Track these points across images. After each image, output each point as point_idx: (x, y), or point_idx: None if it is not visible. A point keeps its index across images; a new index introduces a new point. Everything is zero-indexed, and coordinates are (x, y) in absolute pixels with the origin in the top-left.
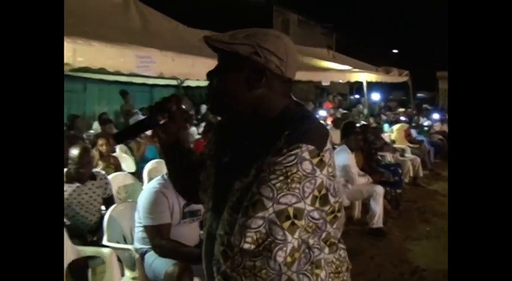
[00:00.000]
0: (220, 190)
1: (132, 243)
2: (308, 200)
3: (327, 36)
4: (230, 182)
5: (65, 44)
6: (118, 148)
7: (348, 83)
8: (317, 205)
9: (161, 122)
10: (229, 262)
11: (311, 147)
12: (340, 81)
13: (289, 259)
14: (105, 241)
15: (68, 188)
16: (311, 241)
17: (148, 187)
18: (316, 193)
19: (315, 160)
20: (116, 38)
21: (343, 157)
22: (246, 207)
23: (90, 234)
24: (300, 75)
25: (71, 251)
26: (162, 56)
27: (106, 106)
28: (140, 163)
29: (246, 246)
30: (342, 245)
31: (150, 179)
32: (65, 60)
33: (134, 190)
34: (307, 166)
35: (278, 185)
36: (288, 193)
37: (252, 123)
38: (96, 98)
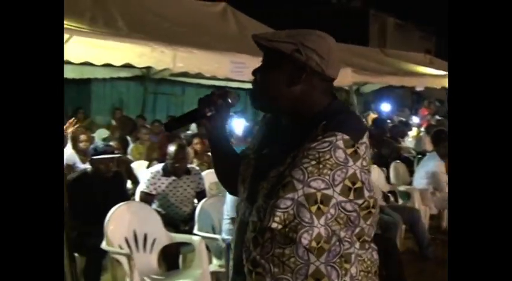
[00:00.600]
0: (257, 179)
1: (220, 234)
2: (338, 189)
3: (425, 40)
4: (267, 172)
5: (166, 50)
6: None
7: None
8: (351, 196)
9: (208, 114)
10: (259, 248)
11: (346, 136)
12: (435, 87)
13: (313, 244)
14: (196, 230)
15: (165, 181)
16: (342, 234)
17: None
18: (347, 183)
19: (349, 150)
20: (213, 45)
21: (433, 164)
22: (277, 189)
23: (183, 223)
24: (394, 80)
25: (165, 237)
26: (255, 61)
27: None
28: None
29: (274, 225)
30: (374, 246)
31: None
32: (166, 66)
33: None
34: (340, 154)
35: (310, 169)
36: (318, 177)
37: (293, 120)
38: (194, 100)
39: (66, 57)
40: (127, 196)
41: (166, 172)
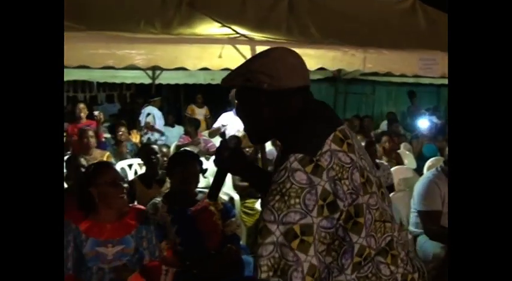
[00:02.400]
0: None
1: (407, 226)
2: (314, 213)
3: None
4: None
5: (356, 53)
6: (402, 145)
7: None
8: (325, 213)
9: (226, 169)
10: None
11: (299, 155)
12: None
13: (309, 279)
14: None
15: None
16: (328, 259)
17: (424, 177)
18: (320, 202)
19: (309, 168)
20: (401, 44)
21: None
22: (256, 237)
23: None
24: None
25: None
26: (445, 57)
27: (393, 107)
28: (419, 160)
29: (264, 275)
30: (385, 261)
31: None
32: (356, 67)
33: (413, 183)
34: (301, 176)
35: (276, 205)
36: (288, 211)
37: (279, 140)
38: (384, 99)
39: None
40: None
41: None
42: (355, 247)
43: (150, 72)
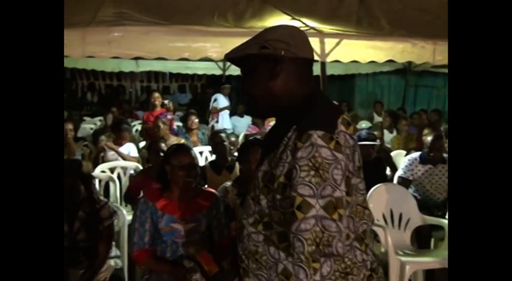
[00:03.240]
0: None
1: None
2: (342, 187)
3: None
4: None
5: (426, 45)
6: None
7: None
8: (346, 187)
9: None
10: (240, 245)
11: (321, 132)
12: None
13: (347, 248)
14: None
15: (421, 168)
16: None
17: None
18: (344, 177)
19: (332, 144)
20: None
21: None
22: (291, 213)
23: (436, 209)
24: None
25: (418, 219)
26: None
27: None
28: None
29: (310, 249)
30: (360, 248)
31: None
32: (426, 60)
33: None
34: (326, 152)
35: (314, 180)
36: (325, 184)
37: (284, 116)
38: None
39: (336, 57)
40: (386, 179)
41: (423, 160)
42: None
43: (221, 64)
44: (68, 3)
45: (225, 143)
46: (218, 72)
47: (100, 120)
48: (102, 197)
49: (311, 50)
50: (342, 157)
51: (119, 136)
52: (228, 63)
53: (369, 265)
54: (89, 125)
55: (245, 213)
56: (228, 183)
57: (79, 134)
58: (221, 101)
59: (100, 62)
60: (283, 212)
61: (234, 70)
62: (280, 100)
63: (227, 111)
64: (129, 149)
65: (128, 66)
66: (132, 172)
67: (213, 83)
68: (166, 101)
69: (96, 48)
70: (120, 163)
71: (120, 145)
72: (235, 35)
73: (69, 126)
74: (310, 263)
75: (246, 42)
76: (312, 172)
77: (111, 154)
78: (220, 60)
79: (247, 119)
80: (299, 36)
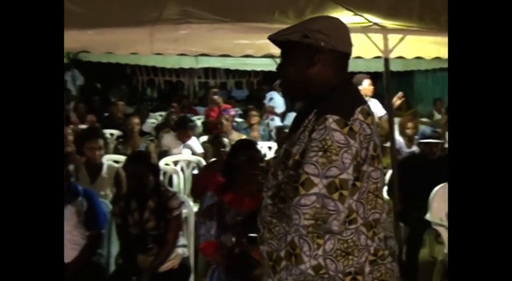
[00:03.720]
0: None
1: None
2: (350, 170)
3: None
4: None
5: None
6: None
7: None
8: (355, 172)
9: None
10: (259, 215)
11: (336, 117)
12: None
13: (343, 228)
14: None
15: None
16: None
17: None
18: (354, 162)
19: (345, 130)
20: None
21: None
22: (295, 188)
23: None
24: None
25: None
26: None
27: None
28: None
29: (306, 223)
30: (366, 234)
31: None
32: None
33: None
34: (339, 136)
35: (320, 160)
36: (330, 165)
37: (311, 101)
38: None
39: (400, 53)
40: None
41: None
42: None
43: (278, 61)
44: (134, 2)
45: None
46: (274, 68)
47: (160, 115)
48: (170, 188)
49: (350, 44)
50: (353, 143)
51: (183, 133)
52: None
53: (372, 250)
54: (150, 120)
55: (265, 186)
56: None
57: (144, 129)
58: (277, 99)
59: (160, 59)
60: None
61: None
62: (312, 87)
63: (282, 108)
64: (193, 144)
65: (188, 63)
66: (194, 165)
67: (269, 80)
68: (216, 97)
69: (163, 46)
70: (184, 157)
71: (184, 141)
72: None
73: (136, 120)
74: (315, 238)
75: (290, 27)
76: (320, 153)
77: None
78: (278, 57)
79: None
80: (341, 30)
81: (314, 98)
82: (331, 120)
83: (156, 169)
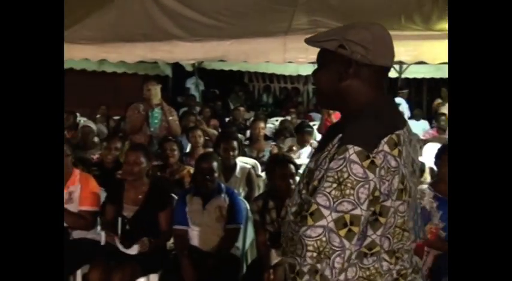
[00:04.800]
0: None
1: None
2: (364, 206)
3: None
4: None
5: None
6: None
7: None
8: (372, 207)
9: None
10: (283, 228)
11: (358, 148)
12: None
13: (346, 265)
14: None
15: None
16: None
17: None
18: (370, 197)
19: (366, 163)
20: None
21: None
22: (304, 216)
23: None
24: None
25: None
26: None
27: None
28: None
29: (309, 254)
30: (389, 260)
31: None
32: None
33: None
34: (357, 169)
35: (333, 193)
36: (343, 200)
37: (343, 118)
38: None
39: None
40: None
41: None
42: (367, 240)
43: (397, 67)
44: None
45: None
46: (393, 74)
47: (276, 120)
48: None
49: (391, 56)
50: (373, 177)
51: (301, 138)
52: (404, 66)
53: (395, 274)
54: (268, 125)
55: (290, 201)
56: (425, 186)
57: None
58: (404, 106)
59: (279, 66)
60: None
61: (410, 73)
62: (344, 101)
63: (408, 114)
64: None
65: (306, 70)
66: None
67: (388, 86)
68: None
69: (295, 55)
70: (305, 161)
71: (303, 146)
72: (426, 38)
73: (261, 124)
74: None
75: (328, 32)
76: (335, 185)
77: (297, 154)
78: (397, 63)
79: (422, 124)
80: (381, 42)
81: (346, 115)
82: (352, 151)
83: (296, 171)
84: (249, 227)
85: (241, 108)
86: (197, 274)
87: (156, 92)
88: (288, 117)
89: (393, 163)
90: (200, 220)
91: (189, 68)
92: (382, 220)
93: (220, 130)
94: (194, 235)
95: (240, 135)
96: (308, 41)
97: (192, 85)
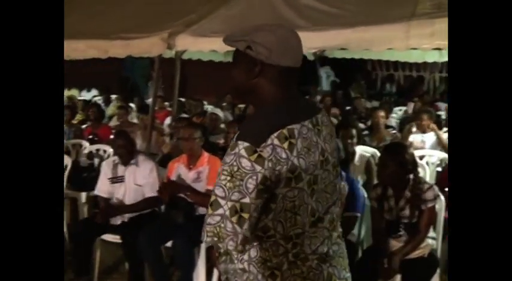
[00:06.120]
0: None
1: None
2: (253, 195)
3: None
4: None
5: None
6: None
7: None
8: (263, 195)
9: None
10: None
11: (246, 144)
12: None
13: (240, 248)
14: None
15: None
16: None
17: None
18: (260, 186)
19: (253, 157)
20: None
21: None
22: (207, 207)
23: None
24: None
25: None
26: None
27: None
28: None
29: (208, 240)
30: (285, 246)
31: None
32: None
33: None
34: (246, 163)
35: (228, 184)
36: (235, 190)
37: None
38: None
39: None
40: None
41: None
42: (261, 223)
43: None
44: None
45: None
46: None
47: (400, 109)
48: (427, 180)
49: (297, 57)
50: (260, 169)
51: (420, 124)
52: None
53: (290, 257)
54: (392, 115)
55: None
56: None
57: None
58: None
59: (403, 53)
60: None
61: None
62: (253, 97)
63: None
64: (432, 137)
65: (431, 57)
66: (434, 160)
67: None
68: None
69: (419, 41)
70: (428, 152)
71: (424, 131)
72: None
73: (382, 113)
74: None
75: (240, 33)
76: (228, 178)
77: (417, 141)
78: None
79: None
80: (285, 44)
81: (255, 110)
82: (241, 146)
83: (412, 161)
84: (366, 214)
85: (362, 99)
86: None
87: None
88: (411, 105)
89: (283, 154)
90: None
91: (310, 57)
92: (272, 205)
93: (340, 119)
94: None
95: (360, 125)
96: (224, 40)
97: (324, 74)
